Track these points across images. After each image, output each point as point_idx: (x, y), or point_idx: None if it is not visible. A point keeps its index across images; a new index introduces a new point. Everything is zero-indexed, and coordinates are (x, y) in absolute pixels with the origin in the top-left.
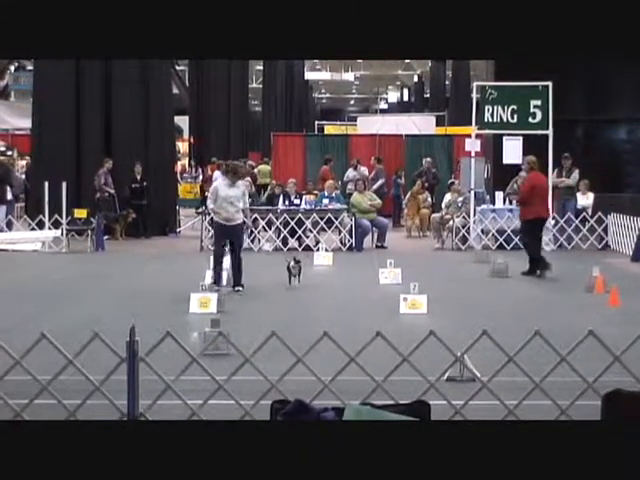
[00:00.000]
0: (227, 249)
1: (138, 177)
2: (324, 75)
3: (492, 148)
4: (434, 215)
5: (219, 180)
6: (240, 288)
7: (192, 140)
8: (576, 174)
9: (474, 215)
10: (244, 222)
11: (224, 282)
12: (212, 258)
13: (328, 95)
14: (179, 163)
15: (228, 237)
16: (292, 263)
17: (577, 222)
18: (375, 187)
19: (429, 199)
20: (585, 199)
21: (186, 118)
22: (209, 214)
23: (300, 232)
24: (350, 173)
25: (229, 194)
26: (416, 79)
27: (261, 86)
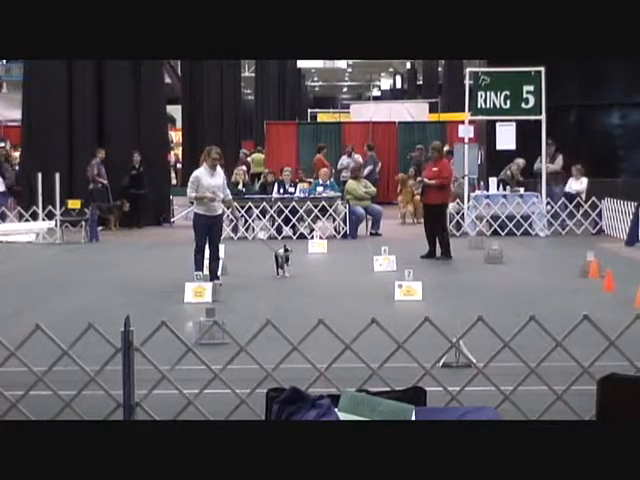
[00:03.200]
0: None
1: (137, 166)
2: (317, 63)
3: (485, 134)
4: None
5: (201, 169)
6: (219, 281)
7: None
8: (560, 159)
9: (468, 201)
10: (223, 212)
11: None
12: (194, 251)
13: (321, 83)
14: (172, 152)
15: (210, 229)
16: (281, 252)
17: (557, 207)
18: (365, 173)
19: None
20: (579, 184)
21: (179, 107)
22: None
23: (294, 220)
24: (344, 160)
25: (212, 183)
26: (409, 66)
27: (254, 75)
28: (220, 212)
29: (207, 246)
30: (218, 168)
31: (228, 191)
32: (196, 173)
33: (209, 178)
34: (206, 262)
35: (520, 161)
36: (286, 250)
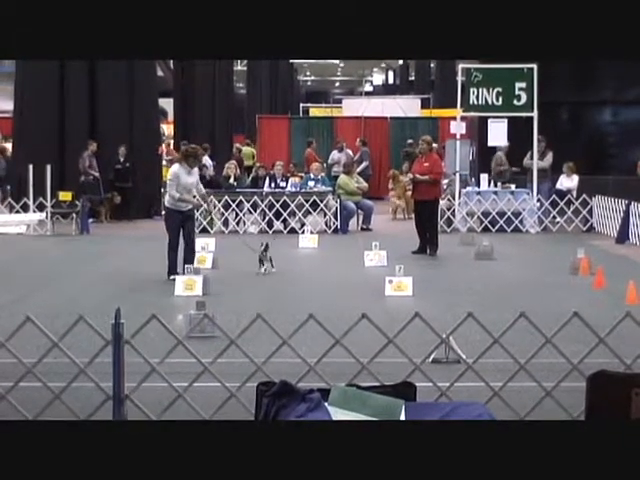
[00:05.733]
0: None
1: (122, 159)
2: None
3: (477, 130)
4: None
5: (178, 166)
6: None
7: (174, 120)
8: (549, 156)
9: (459, 197)
10: (197, 207)
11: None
12: (168, 248)
13: (313, 77)
14: (163, 145)
15: (183, 224)
16: (261, 250)
17: (547, 204)
18: (359, 169)
19: None
20: (570, 181)
21: (170, 100)
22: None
23: (285, 214)
24: (335, 155)
25: (188, 181)
26: (401, 61)
27: (246, 69)
28: (191, 206)
29: (181, 242)
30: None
31: (201, 185)
32: (175, 170)
33: (187, 176)
34: (181, 255)
35: (498, 155)
36: (265, 248)
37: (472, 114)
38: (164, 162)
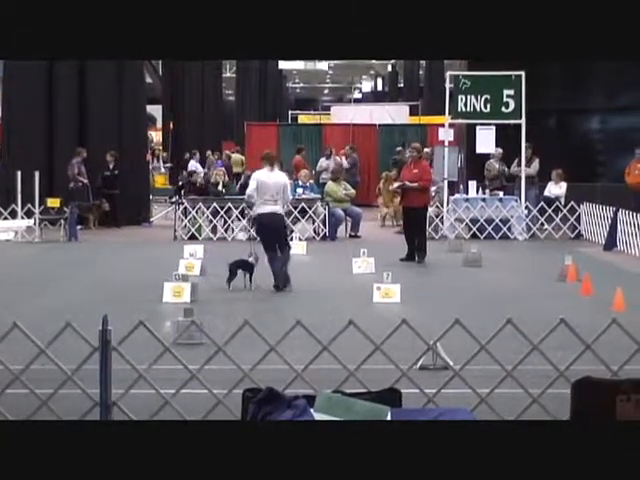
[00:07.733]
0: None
1: (110, 166)
2: (298, 64)
3: (465, 137)
4: None
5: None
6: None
7: (171, 127)
8: (536, 163)
9: (447, 204)
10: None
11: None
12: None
13: (302, 84)
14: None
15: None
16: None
17: (535, 211)
18: (347, 166)
19: None
20: (558, 188)
21: (159, 107)
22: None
23: None
24: (323, 162)
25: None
26: (390, 68)
27: (235, 75)
28: None
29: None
30: None
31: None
32: (256, 175)
33: (266, 179)
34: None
35: (489, 162)
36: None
37: (460, 121)
38: (162, 170)
